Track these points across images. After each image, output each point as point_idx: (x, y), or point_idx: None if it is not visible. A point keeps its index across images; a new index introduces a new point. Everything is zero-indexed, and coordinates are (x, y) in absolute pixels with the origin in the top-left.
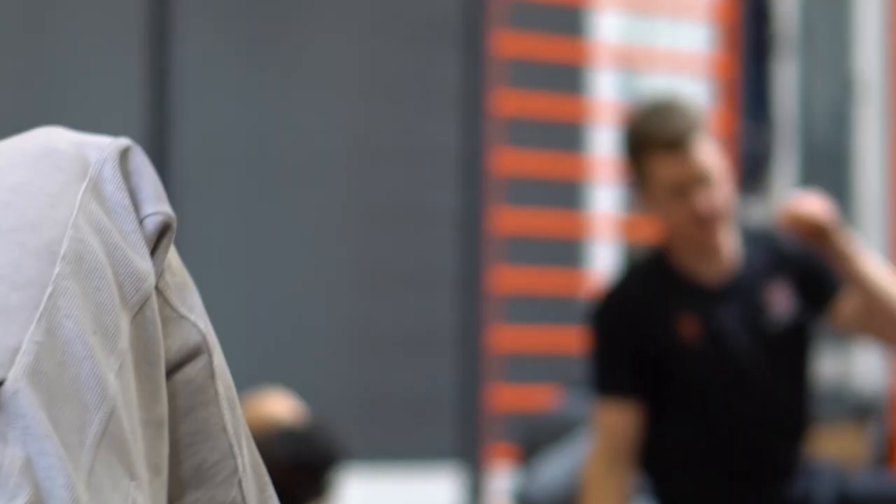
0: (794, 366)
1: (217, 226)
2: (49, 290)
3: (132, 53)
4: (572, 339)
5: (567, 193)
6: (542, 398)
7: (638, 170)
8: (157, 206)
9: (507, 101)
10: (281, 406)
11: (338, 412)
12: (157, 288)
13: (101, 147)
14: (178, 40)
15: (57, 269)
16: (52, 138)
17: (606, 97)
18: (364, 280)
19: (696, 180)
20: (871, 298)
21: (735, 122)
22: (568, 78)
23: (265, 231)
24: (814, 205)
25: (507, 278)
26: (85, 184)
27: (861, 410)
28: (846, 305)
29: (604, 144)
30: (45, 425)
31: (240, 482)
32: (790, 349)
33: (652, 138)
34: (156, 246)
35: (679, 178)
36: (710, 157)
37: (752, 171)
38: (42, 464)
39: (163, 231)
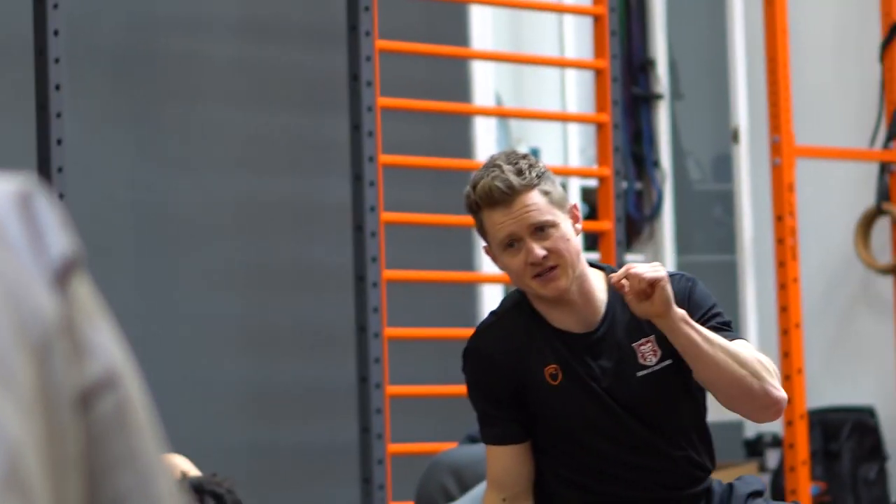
0: (669, 413)
1: (106, 291)
2: None
3: (24, 121)
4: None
5: (456, 244)
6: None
7: (479, 228)
8: (63, 243)
9: (396, 158)
10: (184, 463)
11: (233, 471)
12: (68, 321)
13: (1, 192)
14: (66, 107)
15: None
16: None
17: (487, 148)
18: (258, 338)
19: (527, 232)
20: (705, 365)
21: (613, 171)
22: (452, 130)
23: (155, 295)
24: (644, 268)
25: (403, 332)
26: None
27: (756, 451)
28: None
29: None
30: None
31: None
32: (662, 397)
33: (480, 195)
34: (65, 281)
35: (508, 232)
36: (541, 207)
37: (631, 220)
38: None
39: (70, 266)
